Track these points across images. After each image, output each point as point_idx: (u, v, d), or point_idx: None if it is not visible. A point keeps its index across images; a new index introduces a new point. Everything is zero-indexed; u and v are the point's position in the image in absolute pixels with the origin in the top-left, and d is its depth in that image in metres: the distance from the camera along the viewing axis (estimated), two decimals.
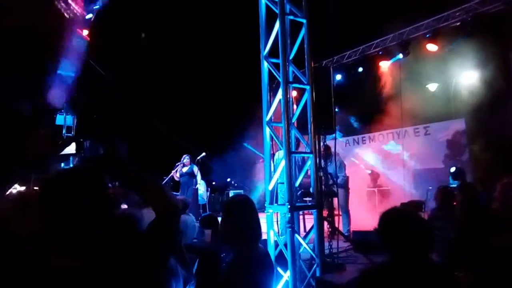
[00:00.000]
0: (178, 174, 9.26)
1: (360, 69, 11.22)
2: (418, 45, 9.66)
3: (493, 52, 8.48)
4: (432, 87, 10.20)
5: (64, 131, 9.60)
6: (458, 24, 8.94)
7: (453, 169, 8.07)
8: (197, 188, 9.43)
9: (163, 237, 1.53)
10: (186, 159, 9.30)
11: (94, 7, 9.20)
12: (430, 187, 8.24)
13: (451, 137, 9.79)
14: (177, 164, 9.38)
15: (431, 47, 9.25)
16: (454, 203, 4.50)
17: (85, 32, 9.53)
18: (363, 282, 2.00)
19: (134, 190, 1.71)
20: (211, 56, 13.44)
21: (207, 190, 12.07)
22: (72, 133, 9.39)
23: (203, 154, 9.69)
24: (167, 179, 9.29)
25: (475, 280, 2.70)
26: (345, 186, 7.61)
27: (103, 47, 9.80)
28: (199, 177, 9.32)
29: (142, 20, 11.86)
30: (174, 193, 8.17)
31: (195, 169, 9.24)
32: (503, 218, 3.53)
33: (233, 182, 13.32)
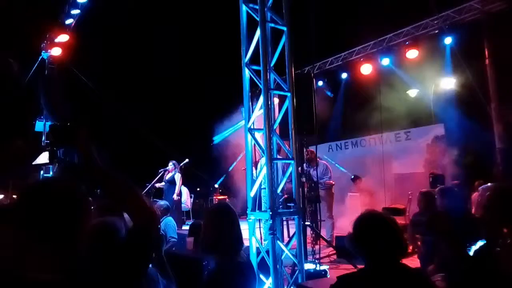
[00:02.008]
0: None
1: (344, 76, 11.36)
2: (398, 51, 9.86)
3: (471, 58, 8.70)
4: (412, 93, 10.39)
5: (43, 138, 9.40)
6: (436, 31, 9.17)
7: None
8: (180, 194, 9.29)
9: (141, 246, 1.51)
10: (170, 165, 9.16)
11: (74, 12, 9.11)
12: (411, 192, 8.37)
13: (431, 142, 9.96)
14: (160, 170, 9.25)
15: (411, 53, 9.44)
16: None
17: (66, 37, 9.43)
18: (338, 286, 2.01)
19: (112, 198, 1.68)
20: (192, 62, 13.47)
21: (190, 197, 11.97)
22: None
23: (186, 160, 9.60)
24: (149, 185, 9.15)
25: (450, 285, 2.73)
26: (329, 190, 7.64)
27: (83, 51, 9.71)
28: (178, 185, 9.00)
29: (121, 23, 11.80)
30: (157, 199, 8.01)
31: (177, 177, 9.01)
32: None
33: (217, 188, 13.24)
